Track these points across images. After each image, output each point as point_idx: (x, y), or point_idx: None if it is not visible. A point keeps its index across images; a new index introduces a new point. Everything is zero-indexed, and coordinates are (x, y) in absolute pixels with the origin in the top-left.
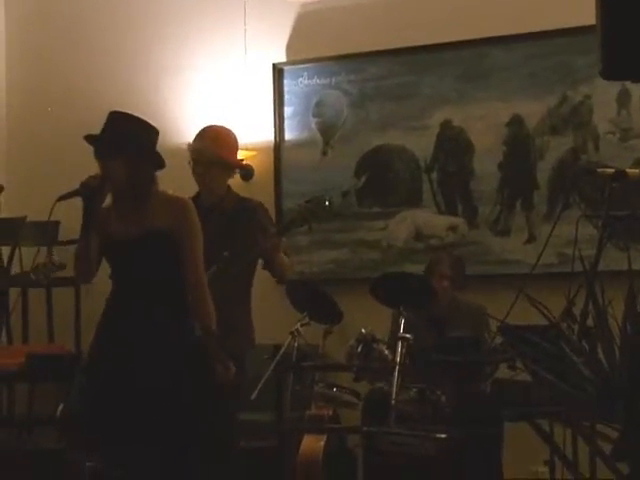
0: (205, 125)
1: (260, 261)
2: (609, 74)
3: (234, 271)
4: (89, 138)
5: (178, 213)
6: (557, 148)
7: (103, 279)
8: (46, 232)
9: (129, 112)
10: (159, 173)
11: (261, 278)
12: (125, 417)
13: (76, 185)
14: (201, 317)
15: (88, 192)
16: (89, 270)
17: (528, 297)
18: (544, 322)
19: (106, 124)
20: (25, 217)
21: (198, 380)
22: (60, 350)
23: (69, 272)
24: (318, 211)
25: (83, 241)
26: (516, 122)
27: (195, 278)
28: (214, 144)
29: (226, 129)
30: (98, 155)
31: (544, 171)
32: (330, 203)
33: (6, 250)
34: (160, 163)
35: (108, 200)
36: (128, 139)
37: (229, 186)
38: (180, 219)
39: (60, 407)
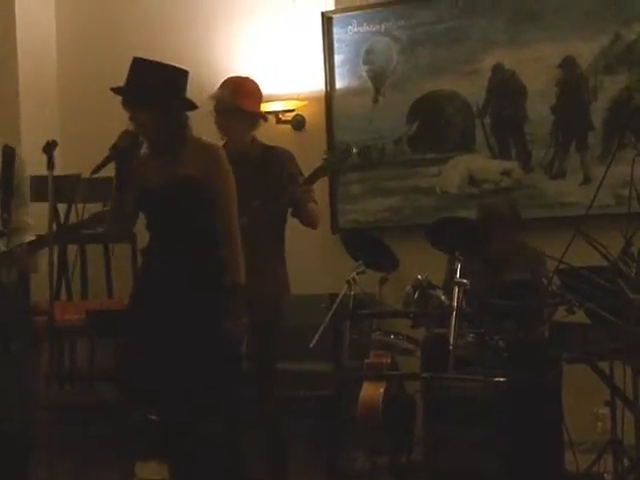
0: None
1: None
2: None
3: (265, 220)
4: (116, 89)
5: (210, 160)
6: (611, 88)
7: None
8: (101, 188)
9: (151, 58)
10: (198, 121)
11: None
12: (158, 366)
13: (106, 152)
14: (230, 268)
15: (119, 153)
16: (122, 229)
17: (585, 235)
18: (600, 264)
19: (130, 72)
20: (80, 174)
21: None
22: (119, 305)
23: None
24: (344, 159)
25: (116, 200)
26: (569, 63)
27: (227, 228)
28: (232, 93)
29: (247, 79)
30: (126, 105)
31: (598, 111)
32: (358, 152)
33: (62, 207)
34: (190, 107)
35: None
36: (155, 87)
37: (254, 136)
38: (212, 166)
39: None
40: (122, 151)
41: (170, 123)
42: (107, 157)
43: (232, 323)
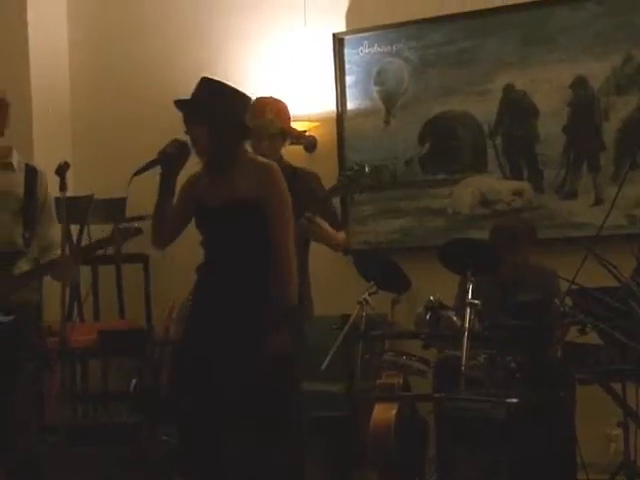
0: (256, 98)
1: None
2: None
3: None
4: (178, 103)
5: (265, 180)
6: (623, 108)
7: (171, 253)
8: (113, 209)
9: (220, 79)
10: None
11: (328, 249)
12: (214, 393)
13: (153, 156)
14: (280, 287)
15: (166, 159)
16: (164, 236)
17: (597, 256)
18: (612, 285)
19: (196, 89)
20: (92, 195)
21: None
22: (131, 326)
23: (138, 248)
24: (358, 179)
25: (159, 208)
26: (580, 83)
27: (281, 248)
28: (278, 117)
29: (279, 100)
30: (185, 119)
31: (610, 132)
32: (371, 170)
33: (75, 228)
34: (245, 133)
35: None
36: (213, 106)
37: (282, 155)
38: (268, 187)
39: (133, 382)
40: (169, 157)
41: (222, 145)
42: (153, 160)
43: (279, 339)
